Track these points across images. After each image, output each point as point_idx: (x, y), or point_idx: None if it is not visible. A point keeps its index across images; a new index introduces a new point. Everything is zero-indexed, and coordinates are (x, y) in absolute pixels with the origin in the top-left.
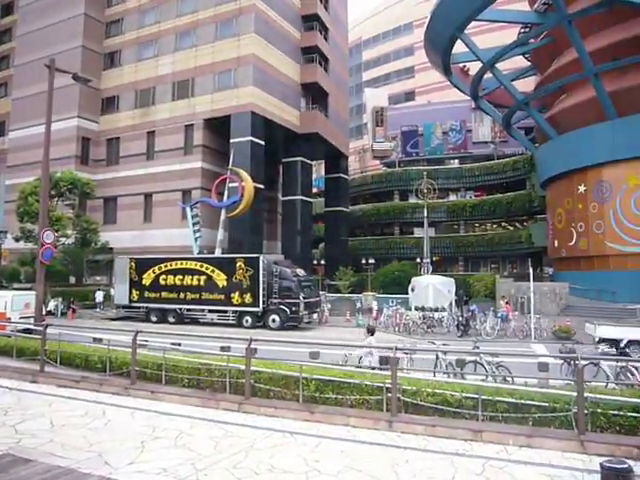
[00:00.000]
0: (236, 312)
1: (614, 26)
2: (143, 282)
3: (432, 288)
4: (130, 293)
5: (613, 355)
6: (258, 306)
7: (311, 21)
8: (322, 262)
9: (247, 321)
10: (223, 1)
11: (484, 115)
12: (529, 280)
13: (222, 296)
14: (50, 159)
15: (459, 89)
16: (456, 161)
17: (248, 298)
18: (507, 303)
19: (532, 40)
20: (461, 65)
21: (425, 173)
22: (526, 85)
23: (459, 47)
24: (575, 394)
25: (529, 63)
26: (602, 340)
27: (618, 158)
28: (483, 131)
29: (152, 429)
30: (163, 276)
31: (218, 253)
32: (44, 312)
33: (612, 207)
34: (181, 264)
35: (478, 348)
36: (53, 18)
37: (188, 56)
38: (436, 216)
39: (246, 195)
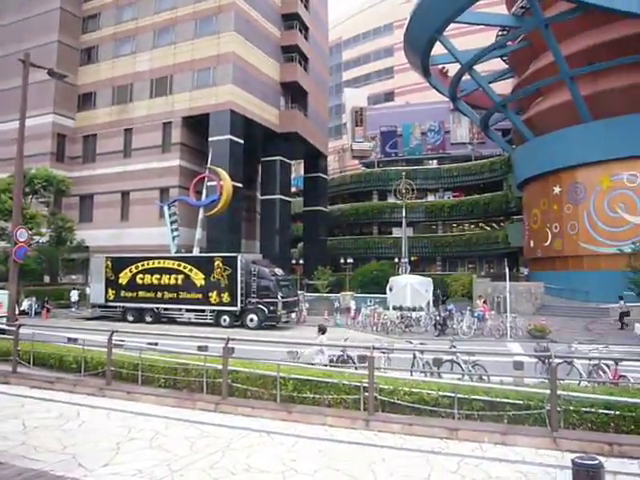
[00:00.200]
0: (214, 311)
1: (589, 31)
2: (120, 281)
3: (410, 288)
4: (106, 292)
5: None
6: (236, 305)
7: (291, 20)
8: (300, 261)
9: (225, 320)
10: None
11: (462, 116)
12: (505, 280)
13: (200, 295)
14: (24, 155)
15: (438, 90)
16: (434, 162)
17: (226, 297)
18: (484, 302)
19: (510, 43)
20: (440, 67)
21: (404, 173)
22: (504, 87)
23: (438, 49)
24: (549, 392)
25: (507, 66)
26: None
27: (592, 160)
28: (461, 132)
29: (128, 430)
30: (140, 275)
31: (196, 252)
32: (17, 312)
33: (586, 208)
34: (158, 263)
35: (455, 347)
36: (28, 12)
37: (167, 53)
38: (414, 216)
39: (224, 194)
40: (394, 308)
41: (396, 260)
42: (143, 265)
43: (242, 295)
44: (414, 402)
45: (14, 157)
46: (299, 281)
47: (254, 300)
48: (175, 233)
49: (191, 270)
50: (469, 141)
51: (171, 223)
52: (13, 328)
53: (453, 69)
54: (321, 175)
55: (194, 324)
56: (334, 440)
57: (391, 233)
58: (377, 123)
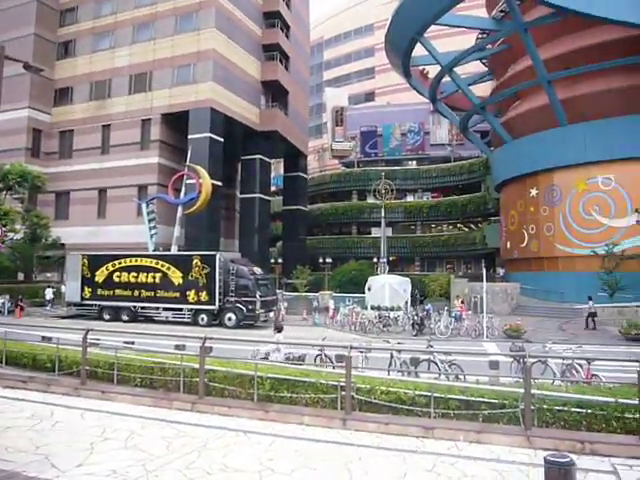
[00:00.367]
0: (192, 310)
1: (568, 36)
2: (96, 279)
3: (388, 287)
4: (82, 290)
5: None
6: (214, 304)
7: (273, 18)
8: (279, 261)
9: (203, 319)
10: None
11: (442, 118)
12: (482, 280)
13: (178, 294)
14: None
15: (418, 91)
16: (414, 162)
17: (204, 296)
18: (462, 303)
19: (489, 46)
20: (420, 68)
21: (383, 173)
22: (483, 90)
23: (419, 50)
24: (523, 391)
25: (486, 68)
26: None
27: (568, 163)
28: (441, 133)
29: (102, 430)
30: (117, 273)
31: (174, 250)
32: None
33: (562, 210)
34: (136, 261)
35: (432, 347)
36: (3, 3)
37: (146, 49)
38: (393, 216)
39: (203, 192)
40: (372, 308)
41: (375, 260)
42: (120, 263)
43: (220, 294)
44: (391, 401)
45: None
46: (278, 280)
47: (232, 299)
48: (153, 231)
49: (169, 268)
50: (448, 142)
51: (149, 221)
52: None
53: (433, 70)
54: (301, 174)
55: (172, 323)
56: (311, 439)
57: (370, 233)
58: (357, 123)
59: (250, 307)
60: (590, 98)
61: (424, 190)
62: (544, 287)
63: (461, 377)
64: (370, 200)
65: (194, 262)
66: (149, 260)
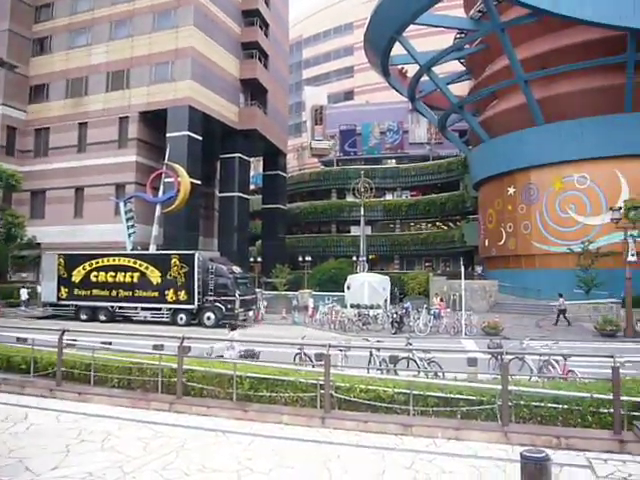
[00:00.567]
0: (170, 310)
1: (544, 36)
2: (73, 279)
3: (367, 286)
4: (58, 290)
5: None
6: (193, 303)
7: (252, 16)
8: (259, 259)
9: (182, 319)
10: None
11: (421, 117)
12: (461, 278)
13: (156, 293)
14: None
15: (397, 90)
16: (393, 161)
17: (183, 295)
18: (441, 300)
19: (467, 46)
20: (399, 67)
21: (362, 172)
22: (461, 89)
23: (398, 49)
24: (500, 387)
25: (464, 68)
26: None
27: (545, 162)
28: (419, 132)
29: (78, 432)
30: (94, 273)
31: (152, 249)
32: None
33: (538, 209)
34: (113, 260)
35: (411, 344)
36: None
37: (123, 46)
38: (373, 215)
39: (182, 191)
40: (352, 306)
41: (354, 258)
42: (97, 263)
43: (199, 293)
44: (370, 399)
45: None
46: (257, 279)
47: (211, 298)
48: (131, 230)
49: (147, 268)
50: (427, 141)
51: (127, 220)
52: None
53: (412, 70)
54: (280, 173)
55: (150, 323)
56: (290, 438)
57: (349, 231)
58: (336, 122)
59: (229, 306)
60: (566, 98)
61: (403, 189)
62: (522, 284)
63: (440, 374)
64: (349, 199)
65: (173, 261)
66: (127, 259)
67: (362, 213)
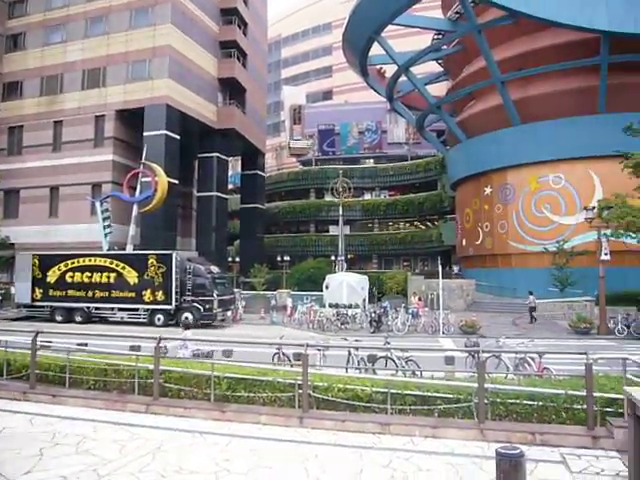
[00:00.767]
0: (148, 310)
1: (521, 38)
2: (48, 280)
3: (346, 285)
4: (33, 291)
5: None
6: (170, 304)
7: (230, 15)
8: (237, 259)
9: (159, 319)
10: None
11: (399, 117)
12: (439, 277)
13: (133, 294)
14: None
15: (375, 90)
16: (371, 161)
17: (160, 296)
18: (419, 299)
19: (445, 47)
20: (378, 67)
21: (341, 172)
22: (439, 90)
23: (376, 49)
24: (477, 385)
25: (442, 69)
26: None
27: (521, 162)
28: (398, 132)
29: (52, 435)
30: (70, 273)
31: (129, 249)
32: None
33: (515, 208)
34: (89, 261)
35: (389, 343)
36: None
37: (100, 44)
38: (351, 214)
39: (159, 190)
40: (330, 305)
41: (333, 258)
42: (73, 263)
43: (177, 293)
44: (348, 398)
45: None
46: (235, 279)
47: (189, 298)
48: (107, 230)
49: (124, 268)
50: (405, 141)
51: (103, 220)
52: None
53: (390, 70)
54: (259, 172)
55: (127, 323)
56: (268, 438)
57: (328, 231)
58: (315, 121)
59: (207, 306)
60: (542, 99)
61: (381, 188)
62: (498, 283)
63: (418, 373)
64: (328, 198)
65: (150, 261)
66: (103, 260)
67: (340, 213)
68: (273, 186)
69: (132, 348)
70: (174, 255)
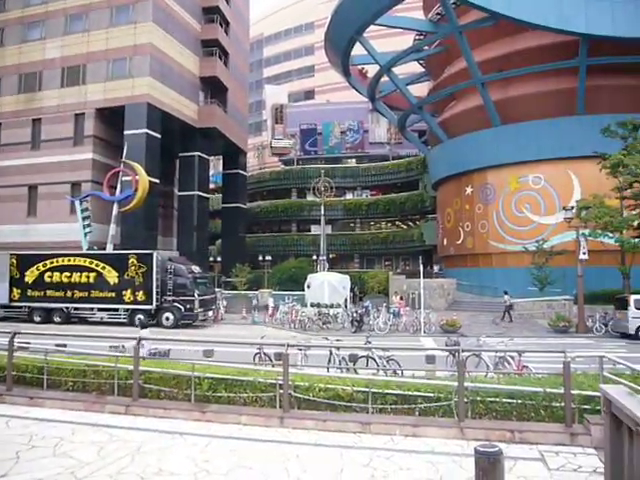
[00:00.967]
0: (128, 310)
1: (501, 39)
2: (26, 280)
3: (327, 285)
4: (10, 292)
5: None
6: (151, 304)
7: (212, 14)
8: (219, 259)
9: (139, 319)
10: None
11: (381, 117)
12: (420, 277)
13: (113, 294)
14: None
15: (357, 90)
16: (353, 160)
17: (141, 296)
18: (400, 299)
19: (426, 48)
20: (360, 67)
21: (323, 171)
22: (421, 90)
23: (358, 49)
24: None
25: (423, 69)
26: None
27: (501, 162)
28: (380, 132)
29: (29, 438)
30: (48, 273)
31: (110, 249)
32: None
33: (495, 208)
34: (69, 260)
35: (370, 343)
36: None
37: (79, 41)
38: (333, 214)
39: (140, 189)
40: (312, 305)
41: (315, 257)
42: (52, 263)
43: (158, 293)
44: (329, 398)
45: None
46: (217, 279)
47: (170, 298)
48: (87, 229)
49: (104, 268)
50: (387, 141)
51: (83, 219)
52: None
53: (372, 70)
54: (240, 172)
55: (107, 324)
56: (248, 439)
57: (310, 230)
58: (297, 121)
59: (188, 306)
60: (522, 100)
61: (363, 188)
62: (479, 282)
63: (399, 372)
64: (310, 198)
65: (130, 261)
66: (83, 259)
67: (322, 212)
68: (255, 185)
69: (111, 348)
70: (155, 255)
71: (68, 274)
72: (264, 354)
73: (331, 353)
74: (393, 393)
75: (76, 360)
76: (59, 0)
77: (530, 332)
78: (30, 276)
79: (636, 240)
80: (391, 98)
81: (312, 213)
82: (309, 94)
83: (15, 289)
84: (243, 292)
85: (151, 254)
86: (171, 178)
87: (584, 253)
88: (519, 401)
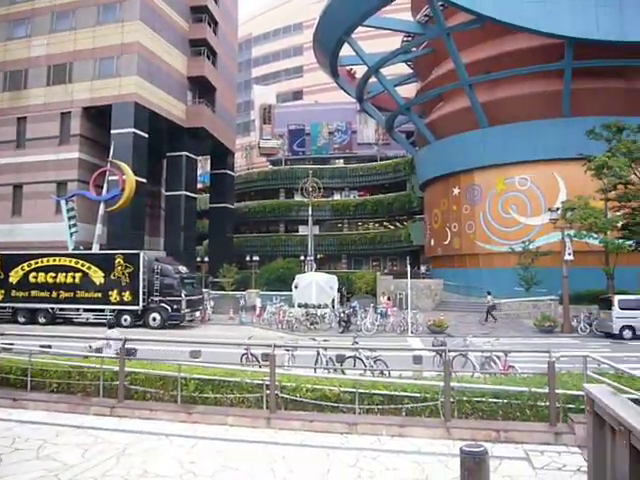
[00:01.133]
0: (114, 311)
1: (489, 42)
2: (10, 280)
3: (315, 285)
4: None
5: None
6: (138, 304)
7: (200, 13)
8: (206, 259)
9: (126, 320)
10: None
11: (369, 117)
12: (407, 277)
13: (99, 294)
14: None
15: (345, 91)
16: (341, 161)
17: (127, 296)
18: (388, 299)
19: (414, 49)
20: (348, 68)
21: (311, 172)
22: (408, 91)
23: (347, 50)
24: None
25: (411, 70)
26: None
27: (488, 164)
28: (367, 133)
29: (12, 440)
30: (33, 274)
31: (96, 249)
32: None
33: (482, 209)
34: (54, 261)
35: (357, 343)
36: None
37: (66, 39)
38: (321, 214)
39: (127, 189)
40: (299, 305)
41: (302, 258)
42: (37, 263)
43: (144, 294)
44: (316, 399)
45: None
46: (204, 279)
47: (157, 299)
48: (73, 229)
49: (90, 268)
50: (375, 142)
51: (69, 219)
52: None
53: (361, 71)
54: (228, 172)
55: (93, 324)
56: (234, 440)
57: (298, 231)
58: (285, 121)
59: (175, 307)
60: (509, 102)
61: (351, 189)
62: (466, 283)
63: (386, 372)
64: (297, 198)
65: (117, 261)
66: (68, 259)
67: (310, 213)
68: (243, 186)
69: (97, 350)
70: (142, 255)
71: (53, 274)
72: (251, 355)
73: (318, 354)
74: (380, 393)
75: (61, 361)
76: None
77: (516, 332)
78: (14, 276)
79: (620, 241)
80: (379, 99)
81: (300, 213)
82: (297, 94)
83: None
84: (231, 292)
85: (138, 254)
86: (158, 178)
87: (569, 254)
88: (505, 401)
